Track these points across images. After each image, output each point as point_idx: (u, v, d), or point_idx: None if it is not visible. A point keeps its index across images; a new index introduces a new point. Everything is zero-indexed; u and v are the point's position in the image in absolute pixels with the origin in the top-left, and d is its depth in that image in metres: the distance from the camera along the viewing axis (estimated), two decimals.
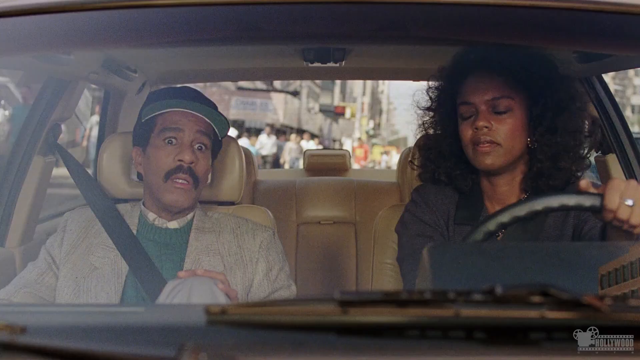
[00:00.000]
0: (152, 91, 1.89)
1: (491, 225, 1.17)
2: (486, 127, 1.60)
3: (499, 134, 1.60)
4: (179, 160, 1.67)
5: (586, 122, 1.66)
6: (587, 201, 1.19)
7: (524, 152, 1.64)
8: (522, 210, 1.17)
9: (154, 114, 1.72)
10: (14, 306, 1.45)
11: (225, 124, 1.78)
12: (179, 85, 1.87)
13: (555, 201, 1.17)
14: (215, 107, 1.78)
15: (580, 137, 1.64)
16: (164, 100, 1.73)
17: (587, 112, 1.69)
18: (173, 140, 1.69)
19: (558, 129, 1.60)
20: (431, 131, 1.78)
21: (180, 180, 1.67)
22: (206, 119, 1.72)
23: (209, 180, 1.84)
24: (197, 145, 1.71)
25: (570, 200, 1.18)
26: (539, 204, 1.17)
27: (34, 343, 0.77)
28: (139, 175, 1.82)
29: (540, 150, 1.61)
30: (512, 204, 1.20)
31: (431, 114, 1.79)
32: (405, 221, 1.77)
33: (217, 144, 1.79)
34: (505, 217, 1.17)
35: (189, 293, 1.43)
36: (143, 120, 1.74)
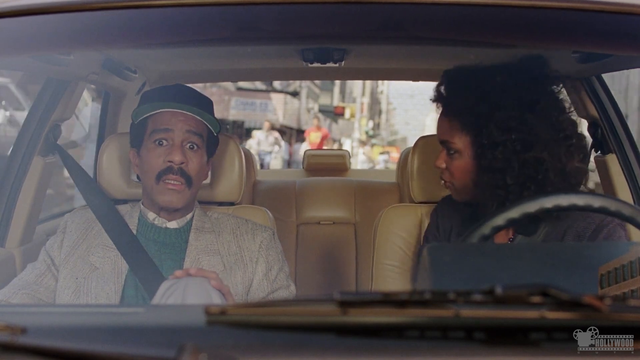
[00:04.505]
0: (145, 92, 1.89)
1: (500, 220, 1.17)
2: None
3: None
4: (169, 162, 1.67)
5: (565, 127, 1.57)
6: (596, 202, 1.19)
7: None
8: (532, 207, 1.17)
9: (144, 116, 1.72)
10: (14, 307, 1.45)
11: (216, 121, 1.78)
12: (170, 85, 1.87)
13: (564, 200, 1.17)
14: (207, 104, 1.77)
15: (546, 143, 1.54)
16: (154, 101, 1.73)
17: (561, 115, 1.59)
18: (163, 141, 1.69)
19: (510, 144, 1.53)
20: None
21: (171, 181, 1.67)
22: (197, 117, 1.72)
23: (207, 179, 1.83)
24: (188, 145, 1.71)
25: (579, 200, 1.18)
26: (549, 202, 1.17)
27: (34, 343, 0.77)
28: (139, 176, 1.82)
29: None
30: (522, 199, 1.20)
31: None
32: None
33: (212, 141, 1.78)
34: (515, 213, 1.17)
35: (184, 293, 1.43)
36: (135, 122, 1.75)
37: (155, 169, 1.68)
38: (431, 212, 1.87)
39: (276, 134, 16.85)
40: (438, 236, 1.79)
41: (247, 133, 17.53)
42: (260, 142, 15.40)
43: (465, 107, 1.58)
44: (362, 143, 23.82)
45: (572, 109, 1.65)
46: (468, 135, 1.58)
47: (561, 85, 1.64)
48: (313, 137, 16.26)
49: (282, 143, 16.72)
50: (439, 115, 1.67)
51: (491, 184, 1.54)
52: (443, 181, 1.67)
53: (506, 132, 1.52)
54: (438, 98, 1.67)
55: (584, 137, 1.61)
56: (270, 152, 15.25)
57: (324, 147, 14.58)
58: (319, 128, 17.01)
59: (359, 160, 18.65)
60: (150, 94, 1.83)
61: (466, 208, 1.72)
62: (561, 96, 1.63)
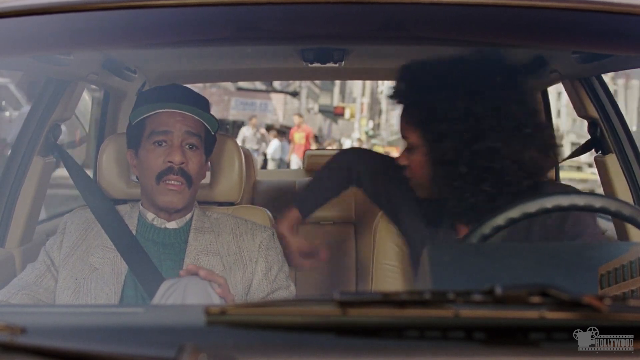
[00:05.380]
0: (141, 93, 1.89)
1: (500, 220, 1.17)
2: None
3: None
4: (169, 162, 1.67)
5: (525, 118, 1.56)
6: (597, 202, 1.18)
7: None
8: (532, 207, 1.17)
9: (142, 117, 1.72)
10: (14, 307, 1.45)
11: (214, 120, 1.78)
12: (166, 85, 1.87)
13: (565, 200, 1.17)
14: (204, 103, 1.77)
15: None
16: (151, 102, 1.73)
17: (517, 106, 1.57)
18: (162, 142, 1.69)
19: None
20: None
21: (172, 182, 1.67)
22: (195, 117, 1.72)
23: (205, 178, 1.83)
24: (187, 145, 1.71)
25: (580, 200, 1.18)
26: (550, 202, 1.17)
27: (33, 343, 0.77)
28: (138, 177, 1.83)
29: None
30: (523, 200, 1.20)
31: None
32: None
33: (210, 141, 1.78)
34: (515, 213, 1.17)
35: (184, 293, 1.43)
36: (133, 124, 1.74)
37: (155, 170, 1.68)
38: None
39: (263, 131, 16.03)
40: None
41: (292, 139, 16.82)
42: (246, 139, 14.60)
43: (415, 101, 1.60)
44: (360, 142, 23.69)
45: (533, 99, 1.65)
46: (419, 129, 1.59)
47: (522, 76, 1.63)
48: (297, 137, 15.36)
49: (277, 141, 15.83)
50: (400, 114, 1.69)
51: (445, 176, 1.55)
52: (408, 179, 1.68)
53: (452, 123, 1.52)
54: (395, 95, 1.68)
55: (546, 127, 1.61)
56: (257, 150, 14.32)
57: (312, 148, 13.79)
58: (303, 128, 15.94)
59: None
60: (147, 94, 1.83)
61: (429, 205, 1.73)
62: (519, 86, 1.60)
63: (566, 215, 1.51)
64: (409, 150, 1.64)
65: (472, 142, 1.51)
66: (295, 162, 14.59)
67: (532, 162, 1.53)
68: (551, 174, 2.13)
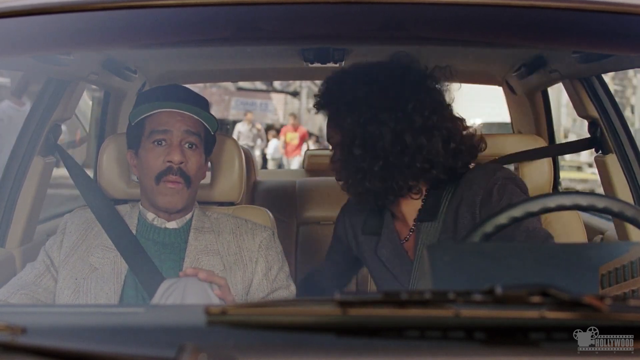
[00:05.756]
0: (140, 93, 1.90)
1: (503, 218, 1.17)
2: None
3: None
4: (168, 162, 1.67)
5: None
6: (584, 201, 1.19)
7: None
8: (535, 206, 1.17)
9: (142, 117, 1.72)
10: (14, 307, 1.45)
11: (214, 119, 1.78)
12: (165, 85, 1.87)
13: (568, 200, 1.17)
14: (203, 103, 1.78)
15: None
16: (150, 101, 1.73)
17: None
18: (162, 141, 1.69)
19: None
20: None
21: (171, 182, 1.68)
22: (194, 117, 1.72)
23: (205, 177, 1.83)
24: (186, 144, 1.71)
25: (583, 200, 1.17)
26: (553, 202, 1.17)
27: (34, 343, 0.77)
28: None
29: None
30: (509, 204, 1.20)
31: None
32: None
33: (209, 140, 1.78)
34: (518, 212, 1.17)
35: (183, 293, 1.43)
36: (133, 124, 1.75)
37: (155, 170, 1.68)
38: (341, 209, 1.94)
39: (259, 126, 15.59)
40: (345, 231, 1.87)
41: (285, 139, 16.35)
42: (241, 134, 14.19)
43: (332, 107, 1.69)
44: None
45: (443, 99, 1.70)
46: (338, 128, 1.67)
47: (424, 79, 1.69)
48: (289, 137, 14.85)
49: (277, 141, 15.37)
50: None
51: (349, 162, 1.64)
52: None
53: (360, 123, 1.61)
54: (319, 107, 1.75)
55: (455, 124, 1.66)
56: (252, 147, 13.77)
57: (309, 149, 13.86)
58: (295, 127, 15.27)
59: None
60: (146, 95, 1.83)
61: (357, 206, 1.80)
62: (428, 86, 1.67)
63: (490, 189, 1.57)
64: (333, 154, 1.71)
65: (366, 127, 1.60)
66: (285, 163, 14.36)
67: (430, 149, 1.60)
68: (547, 172, 2.12)
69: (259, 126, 15.57)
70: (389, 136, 1.59)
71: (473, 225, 1.37)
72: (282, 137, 15.20)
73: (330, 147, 1.74)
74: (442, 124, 1.62)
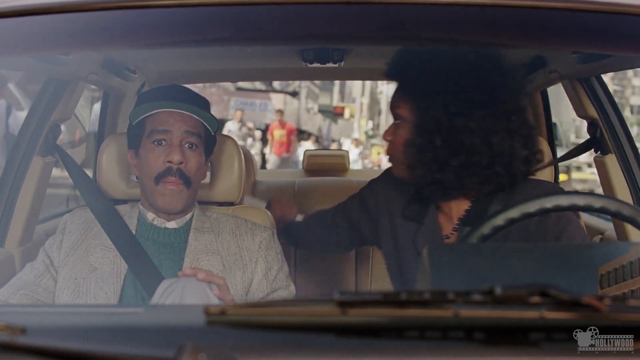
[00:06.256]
0: (141, 93, 1.90)
1: (499, 220, 1.17)
2: None
3: None
4: (168, 162, 1.67)
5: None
6: (597, 202, 1.18)
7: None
8: (532, 207, 1.17)
9: (142, 117, 1.72)
10: (14, 307, 1.45)
11: (214, 120, 1.78)
12: (166, 85, 1.87)
13: (565, 200, 1.17)
14: (204, 104, 1.78)
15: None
16: (151, 101, 1.73)
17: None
18: (162, 141, 1.69)
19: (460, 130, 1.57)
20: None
21: (170, 183, 1.68)
22: (194, 117, 1.72)
23: (205, 178, 1.84)
24: (186, 144, 1.71)
25: (580, 200, 1.18)
26: (550, 202, 1.17)
27: (33, 343, 0.77)
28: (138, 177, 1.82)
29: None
30: (523, 200, 1.20)
31: None
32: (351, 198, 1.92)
33: (210, 141, 1.78)
34: (515, 213, 1.17)
35: (182, 293, 1.43)
36: (133, 124, 1.75)
37: (155, 171, 1.68)
38: (372, 180, 1.90)
39: (250, 125, 15.10)
40: (377, 206, 1.82)
41: (272, 136, 15.76)
42: (231, 134, 13.36)
43: (411, 78, 1.63)
44: (356, 141, 23.71)
45: (525, 99, 1.67)
46: (410, 102, 1.62)
47: (520, 75, 1.66)
48: (277, 135, 14.33)
49: (257, 134, 14.96)
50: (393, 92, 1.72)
51: (422, 145, 1.58)
52: (388, 155, 1.71)
53: (441, 98, 1.55)
54: (388, 72, 1.72)
55: (532, 127, 1.62)
56: (242, 146, 13.57)
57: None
58: (282, 124, 14.70)
59: (351, 160, 17.85)
60: (147, 95, 1.83)
61: (400, 185, 1.75)
62: (516, 78, 1.64)
63: (557, 229, 1.52)
64: (396, 124, 1.66)
65: (455, 116, 1.54)
66: (273, 161, 14.02)
67: (509, 152, 1.56)
68: (548, 175, 2.12)
69: (250, 125, 15.16)
70: (477, 134, 1.53)
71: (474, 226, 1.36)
72: (269, 135, 14.78)
73: (394, 121, 1.67)
74: (522, 129, 1.58)
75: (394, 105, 1.67)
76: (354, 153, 17.95)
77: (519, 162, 1.57)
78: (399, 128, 1.65)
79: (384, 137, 1.70)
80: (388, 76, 1.72)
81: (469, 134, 1.53)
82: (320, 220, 2.05)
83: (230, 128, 14.08)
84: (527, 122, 1.61)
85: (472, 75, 1.57)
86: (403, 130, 1.64)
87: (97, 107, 4.11)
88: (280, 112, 15.74)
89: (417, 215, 1.71)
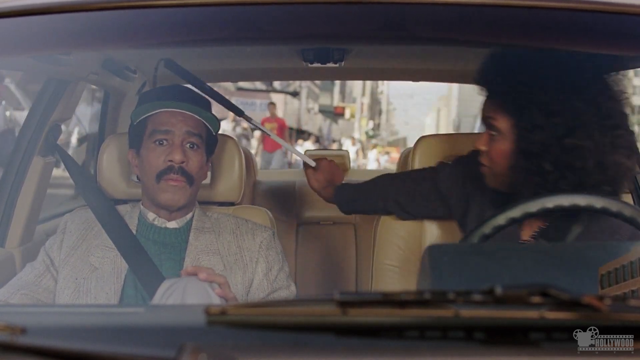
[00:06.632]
0: (143, 92, 1.90)
1: (500, 219, 1.17)
2: None
3: None
4: (169, 161, 1.68)
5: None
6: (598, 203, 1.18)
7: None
8: (533, 207, 1.17)
9: (144, 116, 1.72)
10: (14, 307, 1.45)
11: (216, 120, 1.78)
12: (168, 85, 1.87)
13: (566, 200, 1.17)
14: (205, 104, 1.78)
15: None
16: (152, 101, 1.73)
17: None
18: (163, 141, 1.70)
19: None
20: None
21: (172, 180, 1.68)
22: (196, 117, 1.73)
23: (206, 178, 1.84)
24: (188, 144, 1.71)
25: (581, 200, 1.17)
26: (551, 202, 1.17)
27: (34, 343, 0.77)
28: (138, 177, 1.83)
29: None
30: (525, 200, 1.19)
31: None
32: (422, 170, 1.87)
33: (211, 141, 1.79)
34: (516, 212, 1.17)
35: (183, 293, 1.43)
36: (135, 123, 1.75)
37: (156, 169, 1.69)
38: (459, 158, 1.82)
39: (245, 125, 14.60)
40: (456, 190, 1.75)
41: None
42: (224, 133, 13.29)
43: (509, 88, 1.53)
44: (353, 139, 23.81)
45: (626, 99, 1.55)
46: (510, 117, 1.53)
47: (617, 73, 1.57)
48: (268, 128, 13.25)
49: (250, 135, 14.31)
50: (484, 98, 1.63)
51: (528, 169, 1.49)
52: (481, 165, 1.61)
53: (548, 115, 1.47)
54: (479, 80, 1.63)
55: (633, 132, 1.53)
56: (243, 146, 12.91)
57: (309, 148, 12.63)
58: (276, 118, 14.09)
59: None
60: (149, 94, 1.84)
61: (494, 194, 1.65)
62: (615, 85, 1.54)
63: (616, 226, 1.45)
64: (491, 135, 1.57)
65: (564, 136, 1.46)
66: (265, 158, 13.46)
67: (615, 166, 1.48)
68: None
69: (244, 125, 14.77)
70: (588, 154, 1.44)
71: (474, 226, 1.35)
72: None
73: (488, 130, 1.58)
74: (628, 142, 1.49)
75: (488, 116, 1.58)
76: (351, 150, 17.83)
77: (624, 176, 1.50)
78: (496, 141, 1.56)
79: (476, 146, 1.62)
80: (479, 82, 1.63)
81: (581, 155, 1.45)
82: (393, 183, 1.95)
83: (224, 127, 13.79)
84: (632, 135, 1.52)
85: (579, 88, 1.49)
86: (502, 145, 1.55)
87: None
88: (272, 104, 14.96)
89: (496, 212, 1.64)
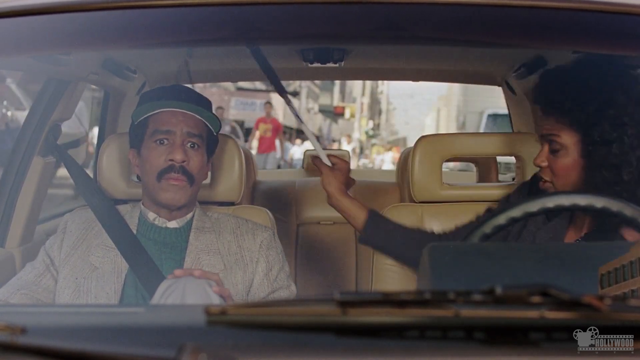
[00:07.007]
0: (144, 92, 1.90)
1: (501, 219, 1.17)
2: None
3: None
4: (170, 160, 1.68)
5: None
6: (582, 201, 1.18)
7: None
8: (534, 207, 1.17)
9: (145, 116, 1.72)
10: (14, 307, 1.45)
11: (218, 120, 1.78)
12: (169, 85, 1.87)
13: (566, 200, 1.17)
14: (207, 104, 1.78)
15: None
16: (154, 101, 1.73)
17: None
18: (164, 140, 1.70)
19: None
20: None
21: (173, 179, 1.68)
22: (197, 117, 1.73)
23: (207, 178, 1.84)
24: (189, 144, 1.71)
25: (581, 200, 1.17)
26: (551, 202, 1.17)
27: (34, 343, 0.77)
28: (139, 177, 1.83)
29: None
30: (525, 199, 1.19)
31: None
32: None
33: (212, 141, 1.79)
34: (516, 212, 1.17)
35: (183, 293, 1.43)
36: (136, 123, 1.75)
37: (157, 168, 1.69)
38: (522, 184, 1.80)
39: (233, 124, 14.35)
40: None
41: (247, 133, 15.14)
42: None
43: (574, 104, 1.53)
44: (349, 138, 23.87)
45: None
46: (577, 132, 1.53)
47: None
48: (262, 129, 13.38)
49: (277, 141, 13.98)
50: (539, 114, 1.63)
51: (605, 181, 1.49)
52: (542, 180, 1.61)
53: (619, 128, 1.48)
54: (538, 99, 1.63)
55: None
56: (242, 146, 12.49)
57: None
58: (271, 119, 13.77)
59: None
60: (150, 94, 1.84)
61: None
62: None
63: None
64: (554, 151, 1.57)
65: (637, 146, 1.47)
66: (259, 159, 12.97)
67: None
68: None
69: (233, 124, 14.47)
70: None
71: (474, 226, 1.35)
72: (256, 130, 13.80)
73: (549, 147, 1.58)
74: None
75: (550, 133, 1.57)
76: (347, 149, 17.54)
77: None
78: (560, 157, 1.56)
79: (535, 162, 1.61)
80: (537, 101, 1.63)
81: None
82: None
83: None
84: None
85: (634, 90, 1.51)
86: (566, 160, 1.55)
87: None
88: (269, 104, 14.52)
89: (552, 215, 1.62)
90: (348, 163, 1.93)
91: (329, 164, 1.87)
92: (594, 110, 1.50)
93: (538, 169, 1.64)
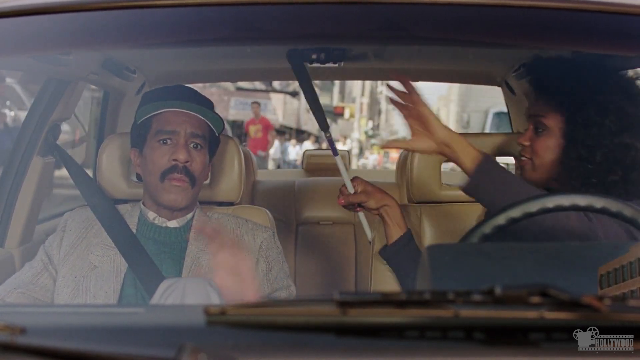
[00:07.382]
0: (146, 92, 1.90)
1: (500, 219, 1.17)
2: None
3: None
4: (174, 160, 1.68)
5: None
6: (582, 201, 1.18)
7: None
8: (533, 207, 1.17)
9: (148, 116, 1.72)
10: (14, 307, 1.45)
11: (220, 121, 1.79)
12: (172, 85, 1.87)
13: (566, 200, 1.17)
14: (209, 105, 1.78)
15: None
16: (157, 101, 1.74)
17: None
18: (168, 140, 1.70)
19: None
20: None
21: (176, 180, 1.68)
22: (200, 117, 1.73)
23: (207, 179, 1.84)
24: (192, 144, 1.71)
25: (581, 200, 1.17)
26: (551, 202, 1.17)
27: (33, 343, 0.77)
28: (138, 176, 1.83)
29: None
30: (524, 199, 1.19)
31: None
32: None
33: (214, 142, 1.79)
34: (516, 212, 1.17)
35: (183, 293, 1.43)
36: (138, 122, 1.75)
37: (160, 168, 1.69)
38: None
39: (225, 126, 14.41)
40: None
41: (247, 133, 15.68)
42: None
43: (564, 89, 1.59)
44: (344, 139, 23.86)
45: None
46: (562, 115, 1.59)
47: None
48: (252, 130, 13.24)
49: (276, 141, 13.88)
50: (531, 96, 1.70)
51: (580, 159, 1.55)
52: (522, 157, 1.67)
53: (603, 113, 1.53)
54: (531, 81, 1.70)
55: None
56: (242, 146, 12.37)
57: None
58: (258, 118, 13.50)
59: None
60: (153, 94, 1.84)
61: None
62: None
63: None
64: (539, 131, 1.63)
65: (615, 134, 1.52)
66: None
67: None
68: None
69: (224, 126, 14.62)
70: (633, 150, 1.53)
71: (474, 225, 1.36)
72: (247, 133, 13.68)
73: (534, 128, 1.64)
74: None
75: (537, 114, 1.64)
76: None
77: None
78: (542, 136, 1.62)
79: (519, 140, 1.67)
80: (531, 82, 1.69)
81: (629, 153, 1.52)
82: None
83: None
84: None
85: (629, 90, 1.57)
86: (547, 140, 1.61)
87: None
88: (256, 104, 14.14)
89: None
90: (370, 184, 1.86)
91: (352, 190, 1.84)
92: (580, 96, 1.56)
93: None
